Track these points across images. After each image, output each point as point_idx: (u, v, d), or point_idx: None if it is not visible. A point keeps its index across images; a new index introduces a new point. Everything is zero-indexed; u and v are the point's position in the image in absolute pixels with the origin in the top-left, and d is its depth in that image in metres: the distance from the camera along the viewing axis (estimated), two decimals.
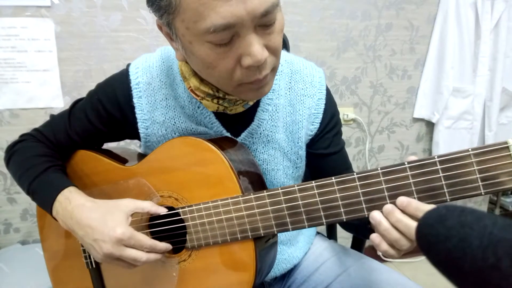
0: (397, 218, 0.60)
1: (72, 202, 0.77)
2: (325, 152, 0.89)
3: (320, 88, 0.86)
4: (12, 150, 0.89)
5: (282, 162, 0.87)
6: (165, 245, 0.76)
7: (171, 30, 0.66)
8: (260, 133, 0.84)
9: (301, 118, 0.85)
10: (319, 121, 0.86)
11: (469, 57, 1.91)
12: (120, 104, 0.83)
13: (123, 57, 1.58)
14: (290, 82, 0.85)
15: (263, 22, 0.61)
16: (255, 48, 0.61)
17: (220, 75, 0.66)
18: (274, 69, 0.70)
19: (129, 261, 0.73)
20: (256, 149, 0.85)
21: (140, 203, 0.78)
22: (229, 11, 0.57)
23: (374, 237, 0.64)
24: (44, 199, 0.81)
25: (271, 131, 0.84)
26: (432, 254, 0.41)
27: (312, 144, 0.88)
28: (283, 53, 0.86)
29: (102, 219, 0.73)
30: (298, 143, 0.86)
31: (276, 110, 0.84)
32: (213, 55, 0.63)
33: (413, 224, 0.59)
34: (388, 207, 0.61)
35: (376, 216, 0.62)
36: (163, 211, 0.78)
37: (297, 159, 0.88)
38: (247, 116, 0.83)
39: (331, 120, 0.88)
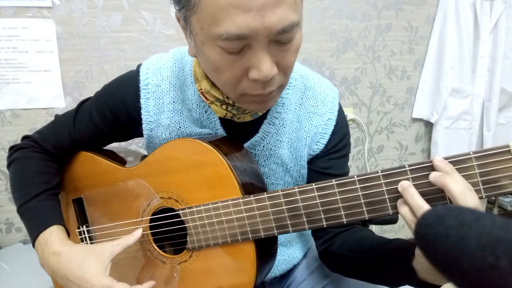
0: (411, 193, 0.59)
1: (49, 248, 0.76)
2: (324, 172, 0.85)
3: (332, 108, 0.84)
4: (12, 158, 0.88)
5: (283, 178, 0.86)
6: (147, 285, 0.78)
7: (187, 25, 0.65)
8: (263, 146, 0.83)
9: (306, 136, 0.83)
10: (325, 142, 0.84)
11: (468, 58, 1.91)
12: (127, 105, 0.83)
13: (123, 58, 1.58)
14: (301, 98, 0.83)
15: (279, 39, 0.60)
16: (265, 64, 0.60)
17: (225, 81, 0.66)
18: (281, 87, 0.69)
19: None
20: (257, 162, 0.84)
21: (116, 244, 0.76)
22: (245, 22, 0.56)
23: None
24: (29, 231, 0.81)
25: (274, 145, 0.82)
26: (431, 253, 0.41)
27: (311, 162, 0.86)
28: (300, 67, 0.85)
29: (79, 271, 0.72)
30: (300, 161, 0.85)
31: (283, 125, 0.82)
32: (222, 61, 0.62)
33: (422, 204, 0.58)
34: (405, 183, 0.60)
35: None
36: (138, 234, 0.78)
37: (299, 177, 0.87)
38: (253, 127, 0.82)
39: (339, 142, 0.85)
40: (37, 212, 0.82)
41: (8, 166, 0.90)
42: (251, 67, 0.62)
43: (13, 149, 0.90)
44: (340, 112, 0.86)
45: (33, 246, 0.80)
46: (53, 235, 0.78)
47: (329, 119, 0.83)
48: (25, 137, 0.91)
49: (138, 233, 0.78)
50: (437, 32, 1.90)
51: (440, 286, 0.62)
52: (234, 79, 0.64)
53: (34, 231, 0.79)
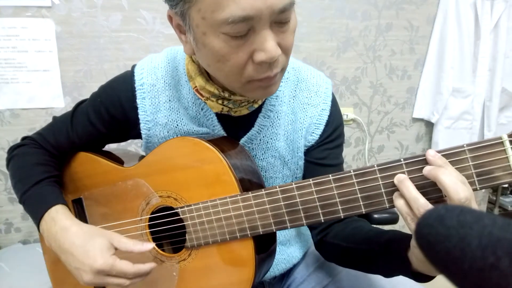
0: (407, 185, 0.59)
1: (57, 224, 0.77)
2: (319, 162, 0.86)
3: (325, 98, 0.85)
4: (12, 154, 0.90)
5: (281, 171, 0.86)
6: (149, 265, 0.75)
7: (185, 20, 0.65)
8: (260, 140, 0.83)
9: (301, 127, 0.84)
10: (319, 133, 0.85)
11: (469, 57, 1.90)
12: (123, 106, 0.83)
13: (123, 57, 1.58)
14: (295, 90, 0.84)
15: (279, 19, 0.61)
16: (270, 44, 0.61)
17: (230, 70, 0.66)
18: (283, 69, 0.70)
19: (114, 286, 0.73)
20: (255, 156, 0.84)
21: (125, 240, 0.75)
22: (249, 3, 0.57)
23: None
24: (33, 214, 0.82)
25: (271, 138, 0.83)
26: (431, 253, 0.41)
27: (307, 153, 0.87)
28: (293, 60, 0.86)
29: (84, 247, 0.72)
30: (297, 153, 0.85)
31: (277, 117, 0.82)
32: (226, 48, 0.62)
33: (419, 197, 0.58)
34: (401, 175, 0.60)
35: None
36: (149, 247, 0.75)
37: (297, 169, 0.87)
38: (248, 121, 0.82)
39: (333, 132, 0.86)
40: (40, 195, 0.82)
41: (8, 163, 0.90)
42: (256, 50, 0.63)
43: (12, 148, 0.91)
44: (334, 103, 0.87)
45: (38, 228, 0.80)
46: (59, 212, 0.79)
47: (322, 109, 0.84)
48: (24, 138, 0.92)
49: (148, 246, 0.76)
50: (437, 31, 1.90)
51: (434, 276, 0.63)
52: (240, 66, 0.65)
53: (39, 211, 0.80)
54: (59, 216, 0.78)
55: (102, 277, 0.71)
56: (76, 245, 0.73)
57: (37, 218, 0.79)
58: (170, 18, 0.70)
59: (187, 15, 0.63)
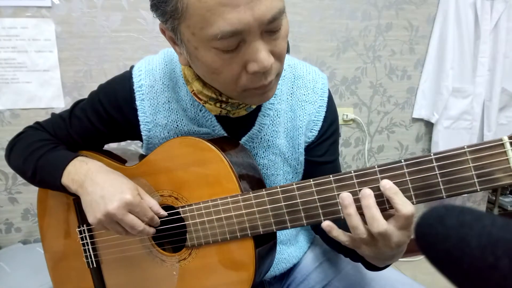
0: (368, 204, 0.60)
1: (89, 163, 0.79)
2: (319, 160, 0.87)
3: (322, 94, 0.85)
4: (15, 140, 0.90)
5: (282, 168, 0.87)
6: (157, 221, 0.78)
7: (176, 35, 0.65)
8: (261, 138, 0.83)
9: (301, 124, 0.84)
10: (318, 129, 0.85)
11: (469, 58, 1.91)
12: (121, 106, 0.83)
13: (123, 57, 1.58)
14: (292, 87, 0.84)
15: (270, 28, 0.61)
16: (262, 54, 0.61)
17: (225, 81, 0.66)
18: (278, 75, 0.70)
19: (127, 227, 0.74)
20: (256, 154, 0.85)
21: (149, 197, 0.78)
22: (236, 17, 0.57)
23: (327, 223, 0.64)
24: (55, 167, 0.81)
25: (271, 136, 0.84)
26: (431, 254, 0.41)
27: (307, 151, 0.87)
28: (287, 57, 0.85)
29: (118, 181, 0.76)
30: (298, 149, 0.86)
31: (277, 115, 0.83)
32: (218, 61, 0.63)
33: (379, 216, 0.59)
34: (367, 191, 0.61)
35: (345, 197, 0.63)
36: (164, 214, 0.78)
37: (297, 165, 0.87)
38: (248, 121, 0.82)
39: (329, 127, 0.87)
40: (61, 153, 0.84)
41: (10, 149, 0.90)
42: (248, 60, 0.62)
43: (13, 138, 0.91)
44: (330, 98, 0.87)
45: (61, 177, 0.80)
46: (89, 157, 0.83)
47: (320, 106, 0.85)
48: (24, 128, 0.92)
49: (164, 213, 0.78)
50: (437, 31, 1.90)
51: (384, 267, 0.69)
52: (234, 77, 0.65)
53: (65, 160, 0.81)
54: (90, 159, 0.81)
55: (125, 211, 0.72)
56: (110, 178, 0.76)
57: (62, 167, 0.80)
58: (162, 31, 0.70)
59: (178, 30, 0.64)
